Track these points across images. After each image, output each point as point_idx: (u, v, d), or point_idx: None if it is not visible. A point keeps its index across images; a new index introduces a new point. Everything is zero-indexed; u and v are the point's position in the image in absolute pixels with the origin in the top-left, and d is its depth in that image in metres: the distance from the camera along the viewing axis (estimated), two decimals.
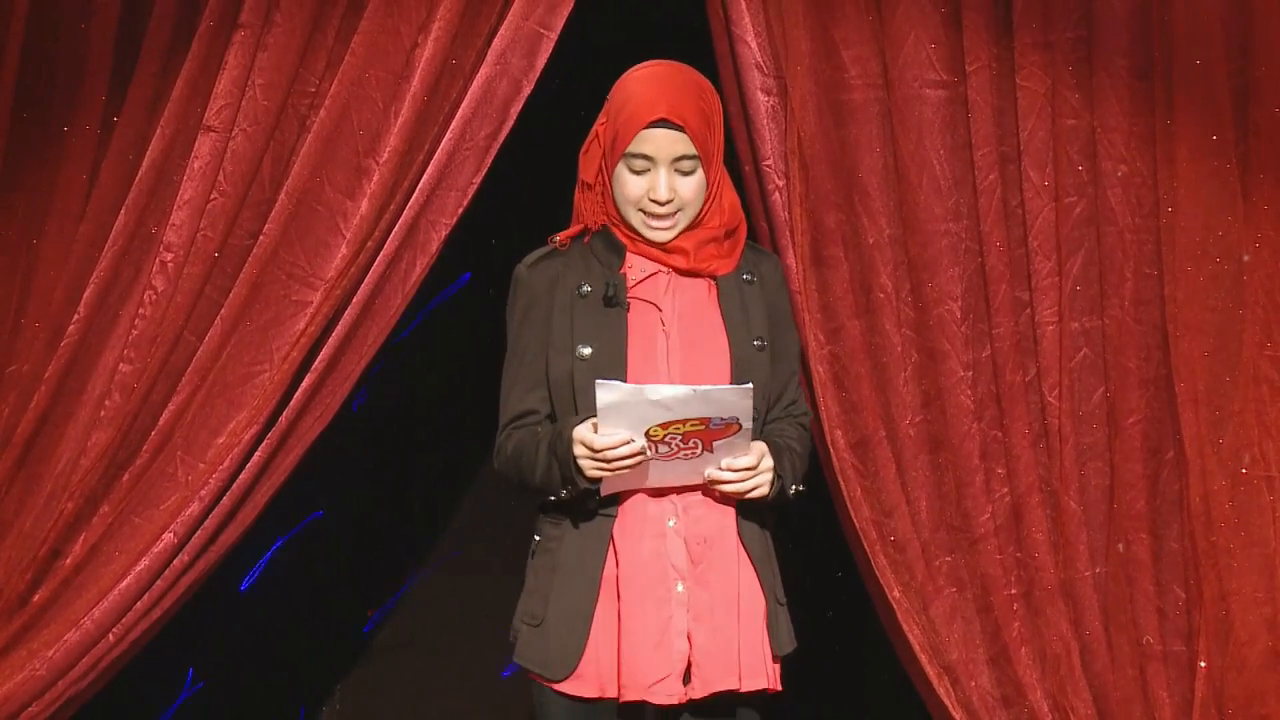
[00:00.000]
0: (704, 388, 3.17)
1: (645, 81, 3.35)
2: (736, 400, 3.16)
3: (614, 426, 3.17)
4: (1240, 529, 3.68)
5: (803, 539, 3.78)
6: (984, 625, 3.71)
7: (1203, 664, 3.64)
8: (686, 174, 3.34)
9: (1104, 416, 3.73)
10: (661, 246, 3.36)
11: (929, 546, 3.72)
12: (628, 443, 3.18)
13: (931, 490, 3.73)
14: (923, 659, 3.67)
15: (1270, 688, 3.64)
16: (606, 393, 3.15)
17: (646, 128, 3.30)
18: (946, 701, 3.66)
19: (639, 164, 3.33)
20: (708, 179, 3.36)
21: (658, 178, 3.32)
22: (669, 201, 3.32)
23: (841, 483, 3.69)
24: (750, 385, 3.19)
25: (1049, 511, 3.71)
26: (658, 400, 3.15)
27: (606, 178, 3.37)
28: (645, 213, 3.34)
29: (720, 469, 3.24)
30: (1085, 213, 3.72)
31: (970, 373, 3.72)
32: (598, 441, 3.19)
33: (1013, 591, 3.71)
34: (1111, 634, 3.70)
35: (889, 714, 4.58)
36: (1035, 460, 3.71)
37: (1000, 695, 3.70)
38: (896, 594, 3.68)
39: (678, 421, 3.16)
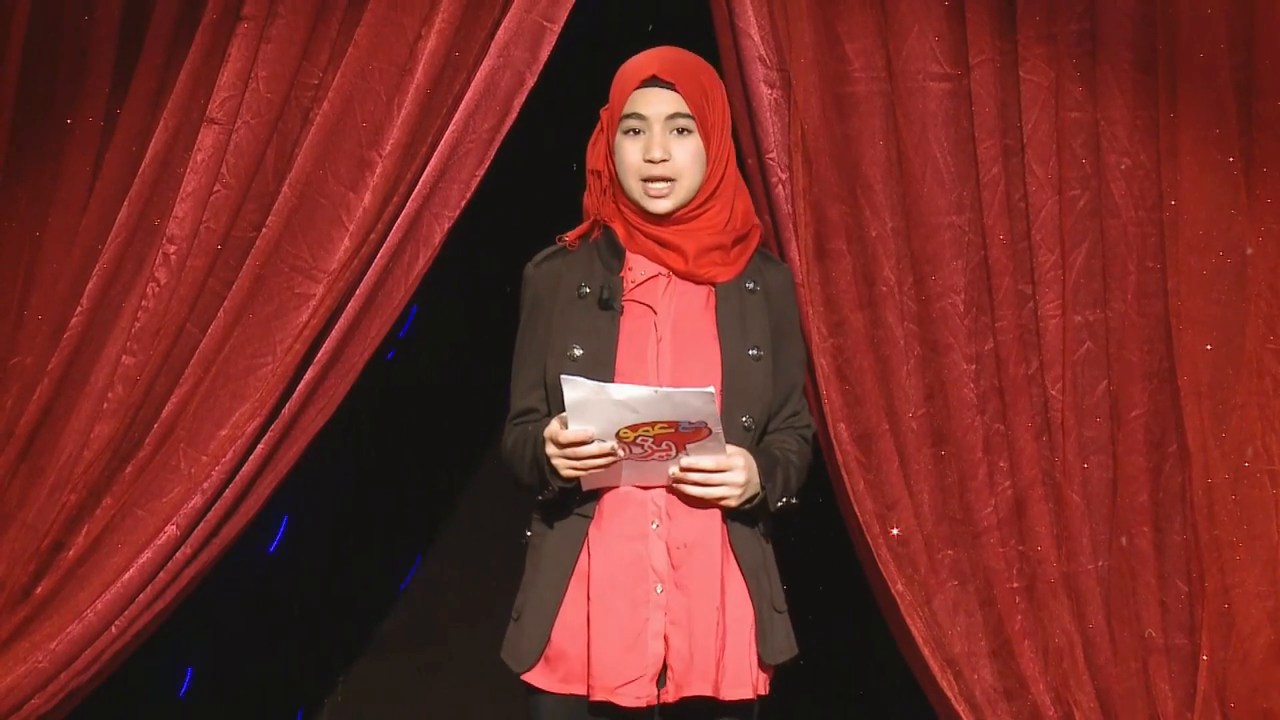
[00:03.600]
0: (665, 389, 3.17)
1: (643, 53, 3.42)
2: (701, 404, 3.16)
3: (582, 424, 3.18)
4: (1243, 522, 3.67)
5: (806, 535, 3.79)
6: (987, 619, 3.71)
7: (1205, 657, 3.64)
8: (682, 134, 3.35)
9: (1107, 410, 3.73)
10: (659, 240, 3.36)
11: (932, 540, 3.71)
12: (592, 440, 3.19)
13: (934, 484, 3.73)
14: (926, 652, 3.67)
15: (1273, 681, 3.64)
16: (571, 389, 3.16)
17: (639, 88, 3.33)
18: (949, 695, 3.66)
19: (633, 123, 3.35)
20: (708, 154, 3.37)
21: (651, 137, 3.34)
22: (663, 161, 3.33)
23: (845, 476, 3.69)
24: (712, 390, 3.18)
25: (1052, 505, 3.71)
26: (622, 400, 3.16)
27: (611, 158, 3.37)
28: (644, 180, 3.35)
29: (681, 469, 3.25)
30: (1088, 206, 3.72)
31: (973, 366, 3.72)
32: (563, 436, 3.21)
33: (1015, 585, 3.71)
34: (1114, 627, 3.70)
35: (892, 708, 4.58)
36: (1038, 454, 3.71)
37: (1003, 688, 3.69)
38: (899, 587, 3.68)
39: (646, 424, 3.17)
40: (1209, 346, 3.69)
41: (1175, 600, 3.70)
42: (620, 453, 3.21)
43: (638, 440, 3.20)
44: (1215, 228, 3.69)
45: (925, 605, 3.70)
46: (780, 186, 3.71)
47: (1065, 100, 3.69)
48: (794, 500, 3.39)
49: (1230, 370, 3.69)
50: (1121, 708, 3.67)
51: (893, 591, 3.67)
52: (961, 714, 3.65)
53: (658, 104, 3.36)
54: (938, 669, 3.67)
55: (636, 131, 3.37)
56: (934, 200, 3.71)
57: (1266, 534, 3.68)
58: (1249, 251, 3.70)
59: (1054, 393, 3.70)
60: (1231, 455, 3.68)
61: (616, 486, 3.30)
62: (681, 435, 3.20)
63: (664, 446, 3.21)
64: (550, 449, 3.24)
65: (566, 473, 3.24)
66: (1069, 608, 3.69)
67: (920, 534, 3.71)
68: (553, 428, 3.24)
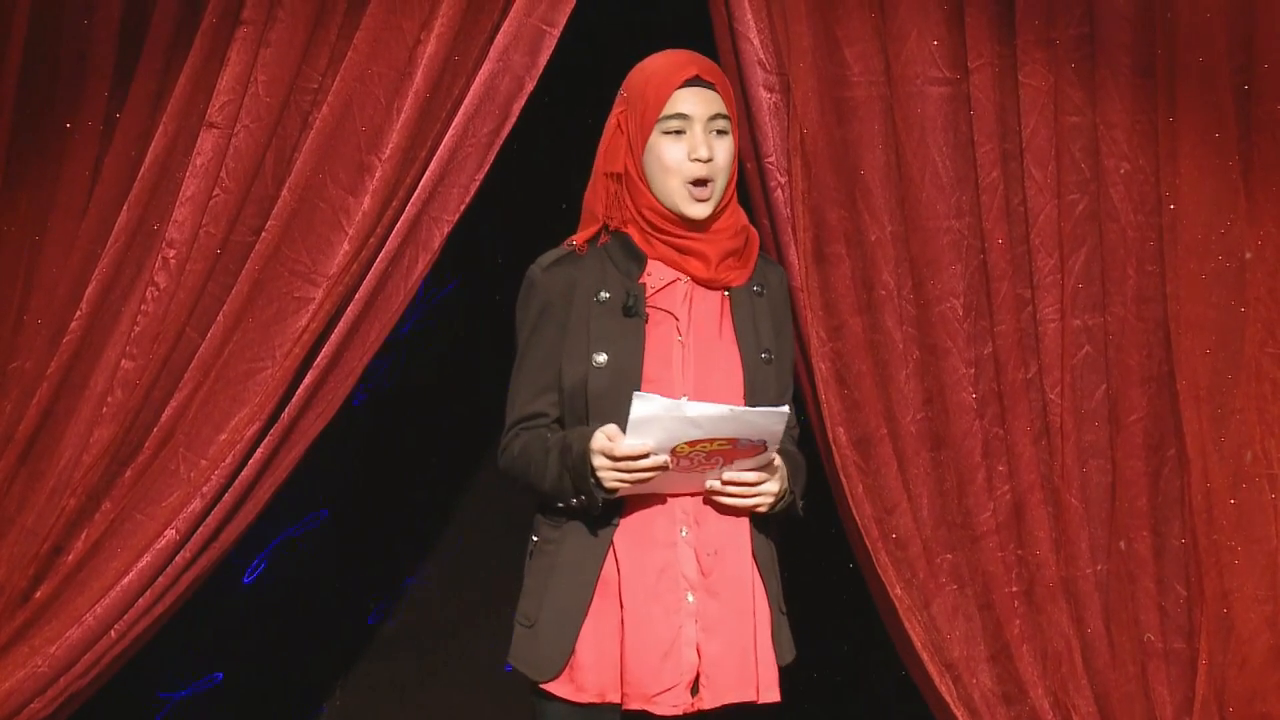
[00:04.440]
0: (740, 409, 3.17)
1: (667, 54, 3.40)
2: (769, 424, 3.16)
3: (641, 438, 3.16)
4: (1241, 526, 3.68)
5: (804, 539, 3.78)
6: (985, 623, 3.72)
7: (1204, 662, 3.64)
8: (721, 135, 3.34)
9: (1106, 414, 3.73)
10: (679, 247, 3.33)
11: (930, 544, 3.72)
12: (648, 455, 3.17)
13: (933, 488, 3.73)
14: (924, 656, 3.67)
15: (1271, 685, 3.64)
16: (643, 405, 3.14)
17: (680, 88, 3.32)
18: (948, 699, 3.66)
19: (674, 124, 3.32)
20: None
21: (696, 137, 3.32)
22: (709, 161, 3.32)
23: (843, 480, 3.69)
24: (786, 409, 3.19)
25: (1050, 509, 3.71)
26: (693, 418, 3.14)
27: (636, 161, 3.36)
28: (689, 181, 3.32)
29: (721, 481, 3.24)
30: (1087, 210, 3.72)
31: (972, 370, 3.72)
32: (619, 450, 3.18)
33: (1014, 589, 3.71)
34: (1113, 631, 3.70)
35: (891, 712, 4.59)
36: (1037, 458, 3.71)
37: (1001, 693, 3.70)
38: (898, 591, 3.68)
39: (706, 440, 3.16)
40: (1208, 350, 3.69)
41: (1174, 604, 3.70)
42: (670, 465, 3.20)
43: (690, 455, 3.19)
44: (1214, 232, 3.69)
45: (924, 609, 3.70)
46: (779, 190, 3.71)
47: (1064, 104, 3.69)
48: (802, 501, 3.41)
49: (1229, 374, 3.69)
50: (1120, 712, 3.68)
51: (891, 595, 3.68)
52: (960, 718, 3.65)
53: (702, 104, 3.34)
54: (936, 673, 3.67)
55: (679, 132, 3.34)
56: (933, 204, 3.71)
57: (1265, 538, 3.68)
58: (1248, 256, 3.70)
59: (1053, 397, 3.71)
60: (1230, 460, 3.68)
61: (651, 496, 3.28)
62: (736, 452, 3.19)
63: (713, 460, 3.20)
64: (600, 461, 3.20)
65: (612, 483, 3.22)
66: (1068, 612, 3.69)
67: (919, 538, 3.71)
68: (601, 442, 3.21)
